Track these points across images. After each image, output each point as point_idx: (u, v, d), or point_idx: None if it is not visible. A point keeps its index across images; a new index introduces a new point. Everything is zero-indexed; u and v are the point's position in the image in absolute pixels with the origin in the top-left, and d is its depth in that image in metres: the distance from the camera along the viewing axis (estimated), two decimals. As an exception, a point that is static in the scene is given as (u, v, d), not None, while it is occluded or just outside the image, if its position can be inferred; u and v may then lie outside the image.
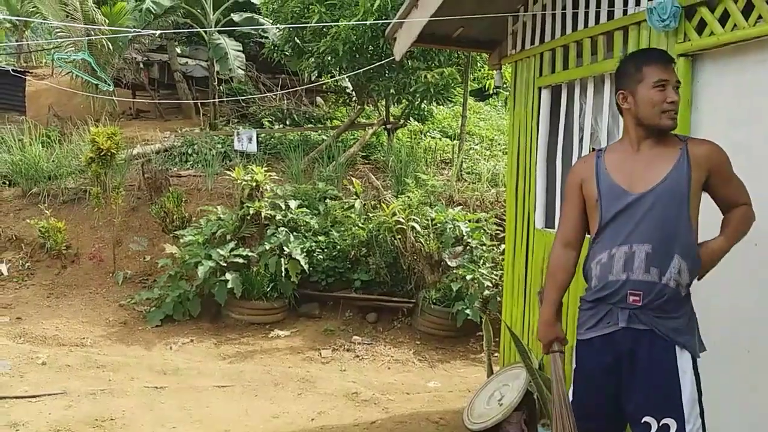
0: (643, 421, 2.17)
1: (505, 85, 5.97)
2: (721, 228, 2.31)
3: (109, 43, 10.87)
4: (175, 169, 9.77)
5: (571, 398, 2.39)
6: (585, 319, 2.32)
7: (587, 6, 3.58)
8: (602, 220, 2.26)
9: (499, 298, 6.04)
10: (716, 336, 2.50)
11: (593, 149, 3.84)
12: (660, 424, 2.14)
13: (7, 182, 9.29)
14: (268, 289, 6.82)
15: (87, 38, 10.53)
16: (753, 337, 2.67)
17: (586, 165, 2.39)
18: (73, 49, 10.94)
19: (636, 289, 2.17)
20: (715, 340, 2.41)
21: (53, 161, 9.41)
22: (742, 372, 2.71)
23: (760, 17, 2.58)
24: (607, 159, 2.33)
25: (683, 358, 2.17)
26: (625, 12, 3.29)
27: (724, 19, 2.75)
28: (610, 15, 3.40)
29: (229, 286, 6.57)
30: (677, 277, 2.16)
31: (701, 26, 2.86)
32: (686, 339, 2.19)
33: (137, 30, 10.70)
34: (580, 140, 3.80)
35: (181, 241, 7.15)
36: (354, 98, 11.77)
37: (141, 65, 14.07)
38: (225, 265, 6.73)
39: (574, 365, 2.42)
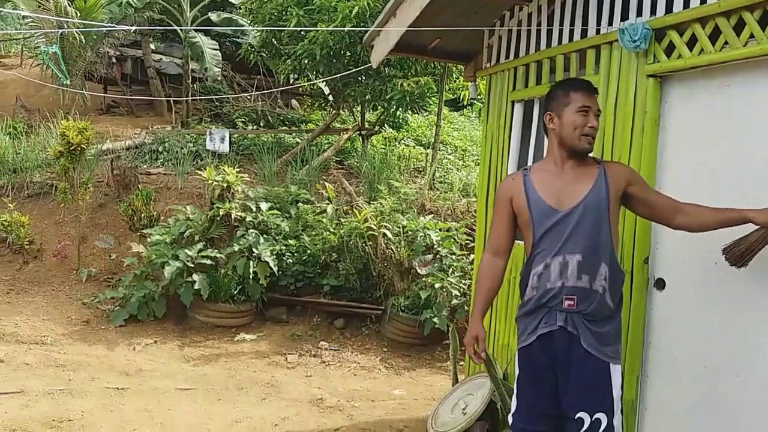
0: (576, 417, 2.36)
1: (479, 97, 6.02)
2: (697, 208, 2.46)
3: (81, 36, 10.67)
4: (145, 166, 9.64)
5: (515, 406, 2.56)
6: (525, 326, 2.51)
7: (561, 23, 3.65)
8: (535, 236, 2.46)
9: (466, 308, 6.08)
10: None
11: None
12: (593, 419, 2.34)
13: (-30, 174, 9.06)
14: (236, 291, 6.75)
15: (59, 30, 10.32)
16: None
17: (515, 182, 2.60)
18: (44, 40, 10.73)
19: (570, 294, 2.38)
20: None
21: (19, 154, 9.20)
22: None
23: (726, 43, 2.66)
24: (534, 178, 2.56)
25: (615, 366, 2.40)
26: (598, 31, 3.36)
27: (692, 43, 2.83)
28: (584, 33, 3.47)
29: (196, 287, 6.48)
30: (604, 283, 2.40)
31: (670, 49, 2.94)
32: (614, 350, 2.41)
33: (112, 25, 10.54)
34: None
35: (149, 240, 7.04)
36: (330, 102, 11.77)
37: (114, 60, 13.87)
38: (192, 265, 6.65)
39: (517, 373, 2.58)
